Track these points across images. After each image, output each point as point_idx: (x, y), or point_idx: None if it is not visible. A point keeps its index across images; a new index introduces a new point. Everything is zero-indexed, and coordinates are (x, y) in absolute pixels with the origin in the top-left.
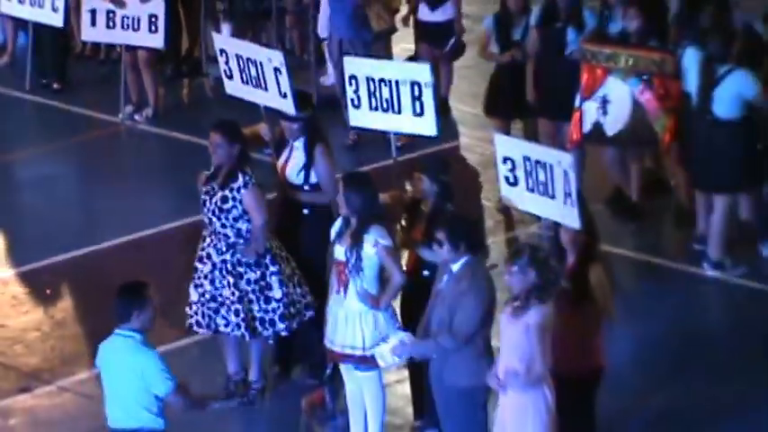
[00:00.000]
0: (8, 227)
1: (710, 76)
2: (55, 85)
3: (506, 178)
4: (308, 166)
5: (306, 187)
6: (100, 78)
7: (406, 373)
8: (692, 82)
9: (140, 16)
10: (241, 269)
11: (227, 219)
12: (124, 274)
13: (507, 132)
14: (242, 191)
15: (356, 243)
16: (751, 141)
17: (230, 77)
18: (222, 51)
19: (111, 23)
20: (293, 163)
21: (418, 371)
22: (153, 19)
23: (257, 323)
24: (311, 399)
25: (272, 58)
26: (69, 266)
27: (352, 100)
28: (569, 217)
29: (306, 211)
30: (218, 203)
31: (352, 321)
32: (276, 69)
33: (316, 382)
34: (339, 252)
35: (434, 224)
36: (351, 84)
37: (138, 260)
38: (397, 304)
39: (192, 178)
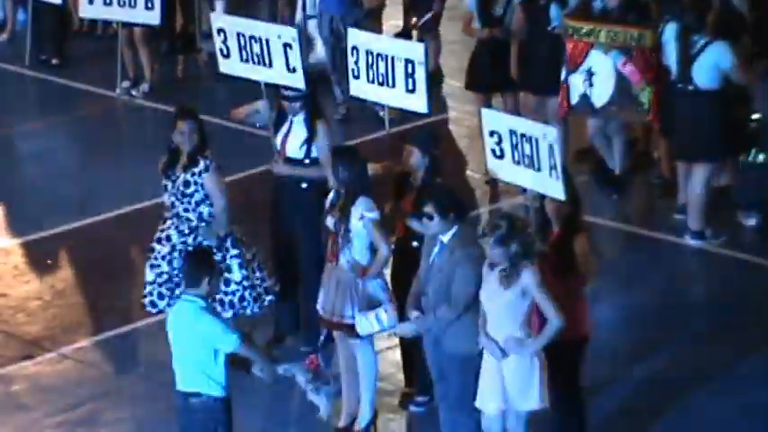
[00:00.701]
0: (9, 199)
1: (688, 48)
2: (53, 61)
3: (493, 151)
4: (309, 141)
5: (306, 161)
6: (97, 54)
7: (397, 340)
8: (672, 55)
9: None
10: None
11: (189, 203)
12: (122, 244)
13: (488, 106)
14: (203, 175)
15: (344, 215)
16: (728, 112)
17: (227, 56)
18: (220, 30)
19: (108, 0)
20: (294, 137)
21: (409, 339)
22: None
23: (217, 304)
24: (305, 366)
25: (281, 35)
26: (69, 237)
27: (353, 70)
28: (554, 189)
29: (304, 186)
30: (181, 188)
31: (342, 290)
32: (287, 45)
33: (309, 349)
34: (330, 223)
35: (424, 196)
36: (352, 54)
37: (136, 230)
38: (387, 274)
39: None
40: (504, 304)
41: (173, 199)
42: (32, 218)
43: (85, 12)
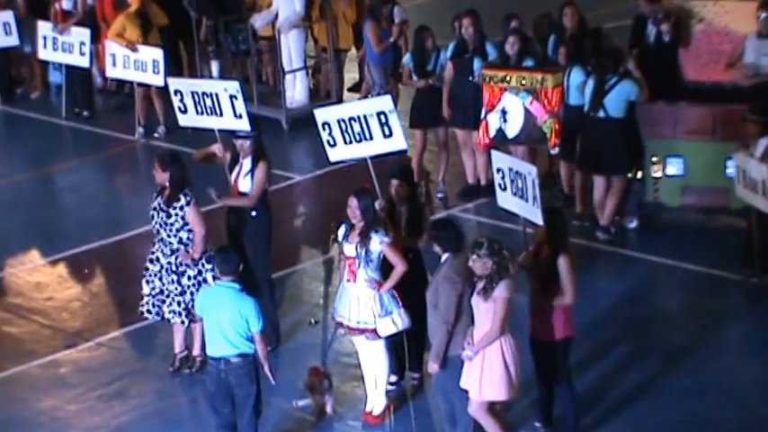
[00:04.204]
0: (52, 223)
1: (602, 85)
2: (85, 113)
3: (499, 185)
4: (252, 176)
5: (252, 194)
6: (118, 107)
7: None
8: (576, 96)
9: (146, 61)
10: (182, 268)
11: (170, 230)
12: (142, 256)
13: (425, 139)
14: (185, 208)
15: (365, 241)
16: (632, 135)
17: (184, 112)
18: (177, 92)
19: (126, 65)
20: (243, 176)
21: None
22: (155, 63)
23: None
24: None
25: (227, 88)
26: (100, 252)
27: (328, 141)
28: (535, 215)
29: (253, 214)
30: (165, 218)
31: (363, 302)
32: (232, 96)
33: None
34: (349, 249)
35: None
36: (324, 129)
37: (151, 246)
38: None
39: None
40: (482, 312)
41: (157, 227)
42: (72, 237)
43: (110, 73)
